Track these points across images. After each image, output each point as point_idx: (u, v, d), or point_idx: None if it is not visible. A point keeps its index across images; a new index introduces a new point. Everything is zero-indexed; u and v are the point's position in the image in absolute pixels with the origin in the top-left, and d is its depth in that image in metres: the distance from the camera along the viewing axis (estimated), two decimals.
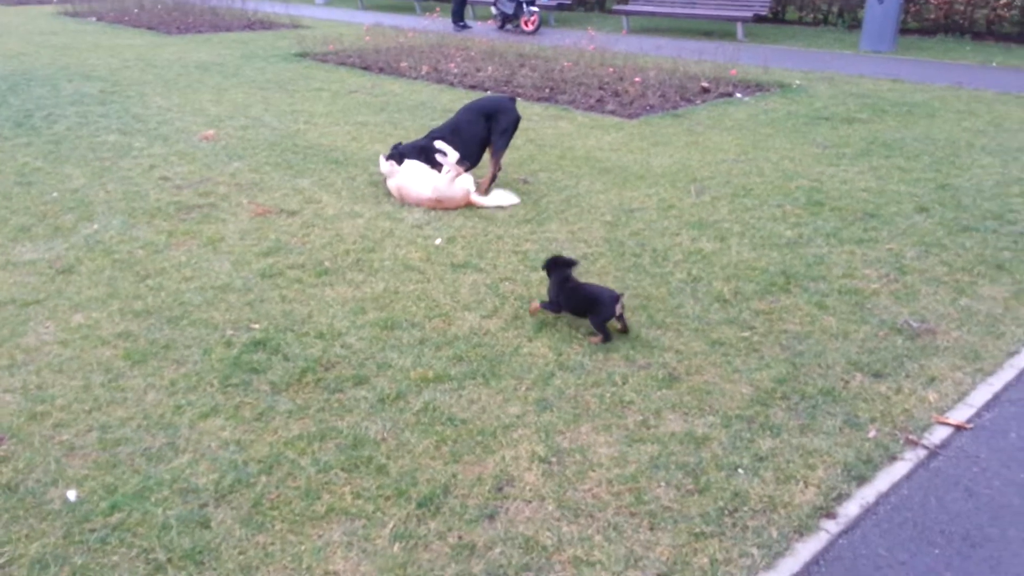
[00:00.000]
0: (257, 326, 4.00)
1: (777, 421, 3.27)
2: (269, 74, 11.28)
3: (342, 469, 2.93)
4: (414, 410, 3.31)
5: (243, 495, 2.80)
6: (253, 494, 2.80)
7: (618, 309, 3.83)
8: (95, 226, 5.32)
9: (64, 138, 7.55)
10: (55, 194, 5.96)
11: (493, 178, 6.17)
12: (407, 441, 3.10)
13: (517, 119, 6.23)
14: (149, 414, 3.27)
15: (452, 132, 6.16)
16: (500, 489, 2.84)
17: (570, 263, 4.02)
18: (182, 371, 3.59)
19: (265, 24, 17.15)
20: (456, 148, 5.98)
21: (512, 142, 6.38)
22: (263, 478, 2.89)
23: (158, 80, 10.63)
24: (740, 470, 2.95)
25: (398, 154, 6.08)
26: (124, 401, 3.36)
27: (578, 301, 3.94)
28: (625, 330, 3.93)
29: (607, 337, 3.86)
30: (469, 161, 6.07)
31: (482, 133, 6.16)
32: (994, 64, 12.74)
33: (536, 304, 4.11)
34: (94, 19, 18.32)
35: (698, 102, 9.87)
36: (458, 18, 17.02)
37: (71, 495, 2.78)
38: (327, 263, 4.79)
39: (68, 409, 3.30)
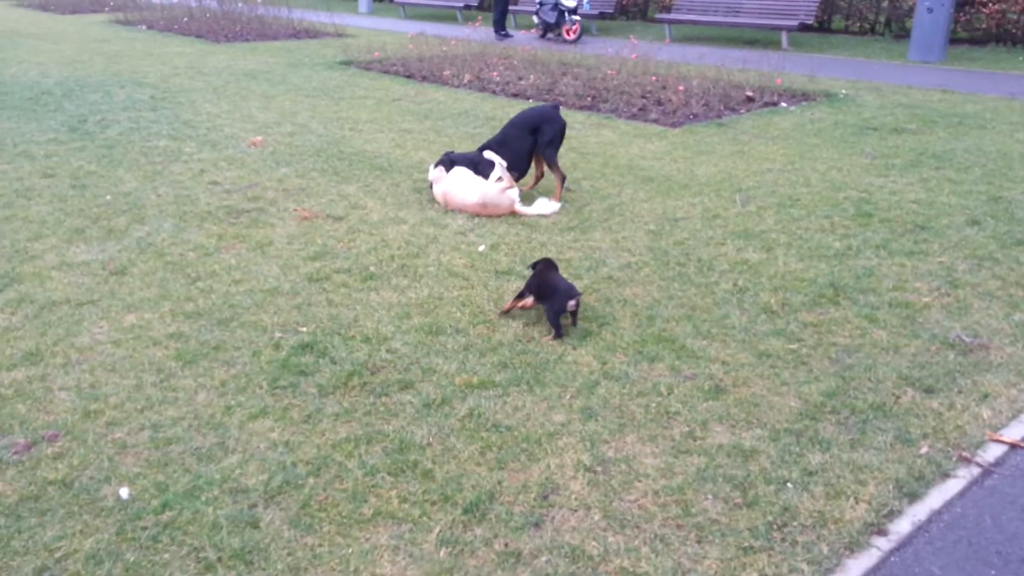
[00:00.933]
0: (305, 329, 4.05)
1: (827, 436, 3.21)
2: (315, 82, 11.45)
3: (388, 473, 2.95)
4: (459, 416, 3.32)
5: (292, 496, 2.83)
6: (301, 495, 2.83)
7: (570, 305, 3.99)
8: (147, 229, 5.44)
9: (117, 143, 7.74)
10: (108, 197, 6.11)
11: (561, 183, 6.20)
12: (452, 447, 3.11)
13: (563, 127, 6.26)
14: (200, 414, 3.32)
15: (500, 145, 6.24)
16: (546, 497, 2.83)
17: (554, 266, 4.26)
18: (232, 372, 3.64)
19: (311, 33, 17.41)
20: (505, 159, 6.05)
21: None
22: (311, 480, 2.92)
23: (207, 87, 10.85)
24: (789, 484, 2.91)
25: (448, 161, 6.13)
26: (175, 401, 3.42)
27: (542, 287, 4.10)
28: (574, 323, 4.09)
29: (558, 332, 3.97)
30: (516, 172, 6.12)
31: (528, 146, 6.26)
32: None
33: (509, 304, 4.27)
34: (144, 27, 18.76)
35: (742, 111, 9.79)
36: (500, 27, 17.11)
37: (124, 493, 2.84)
38: (372, 268, 4.83)
39: (121, 408, 3.37)
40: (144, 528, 2.68)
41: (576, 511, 2.77)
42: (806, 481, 2.93)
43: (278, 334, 4.00)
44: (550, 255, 5.04)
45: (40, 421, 3.27)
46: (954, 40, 15.65)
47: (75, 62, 13.06)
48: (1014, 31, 15.59)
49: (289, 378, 3.59)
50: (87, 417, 3.30)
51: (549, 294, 4.05)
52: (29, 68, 12.38)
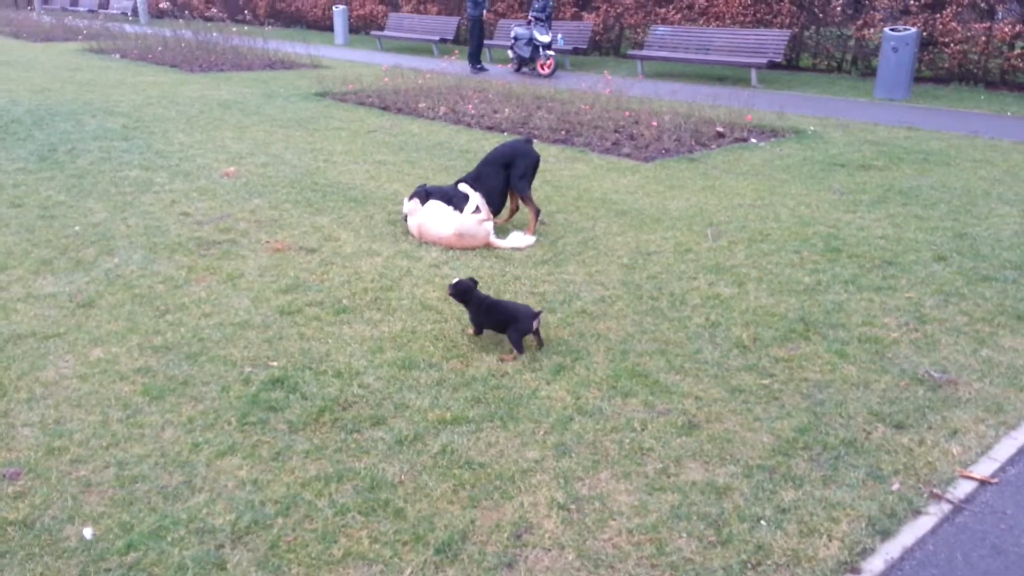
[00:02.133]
0: (275, 364, 4.00)
1: (799, 472, 3.22)
2: (290, 113, 11.45)
3: (359, 512, 2.91)
4: (432, 452, 3.28)
5: (260, 536, 2.77)
6: (270, 536, 2.77)
7: (535, 324, 4.15)
8: (116, 260, 5.37)
9: (87, 172, 7.66)
10: (77, 228, 6.03)
11: (535, 216, 6.23)
12: (425, 484, 3.08)
13: (535, 160, 6.30)
14: (166, 451, 3.26)
15: (475, 180, 6.31)
16: (519, 536, 2.80)
17: (473, 283, 4.33)
18: (200, 408, 3.58)
19: (286, 64, 17.46)
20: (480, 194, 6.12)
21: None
22: (280, 519, 2.86)
23: (180, 117, 10.80)
24: (763, 522, 2.91)
25: (423, 192, 6.15)
26: (142, 438, 3.35)
27: (499, 317, 4.20)
28: (540, 344, 4.23)
29: (521, 350, 4.12)
30: (491, 208, 6.17)
31: (502, 182, 6.31)
32: (1009, 113, 12.79)
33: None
34: (118, 56, 18.71)
35: (713, 147, 9.94)
36: (475, 61, 17.29)
37: (87, 533, 2.76)
38: (345, 301, 4.80)
39: (86, 444, 3.29)
40: (108, 570, 2.60)
41: (550, 551, 2.74)
42: (779, 519, 2.93)
43: (248, 368, 3.95)
44: (523, 288, 5.05)
45: (1, 458, 3.18)
46: (918, 79, 16.08)
47: (46, 90, 12.96)
48: (975, 70, 16.06)
49: (259, 414, 3.53)
50: (51, 454, 3.22)
51: (509, 319, 4.15)
52: None
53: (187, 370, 3.92)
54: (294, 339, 4.29)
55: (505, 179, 6.29)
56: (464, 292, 4.28)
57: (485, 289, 5.03)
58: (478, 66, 17.25)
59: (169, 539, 2.74)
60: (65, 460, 3.18)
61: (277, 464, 3.19)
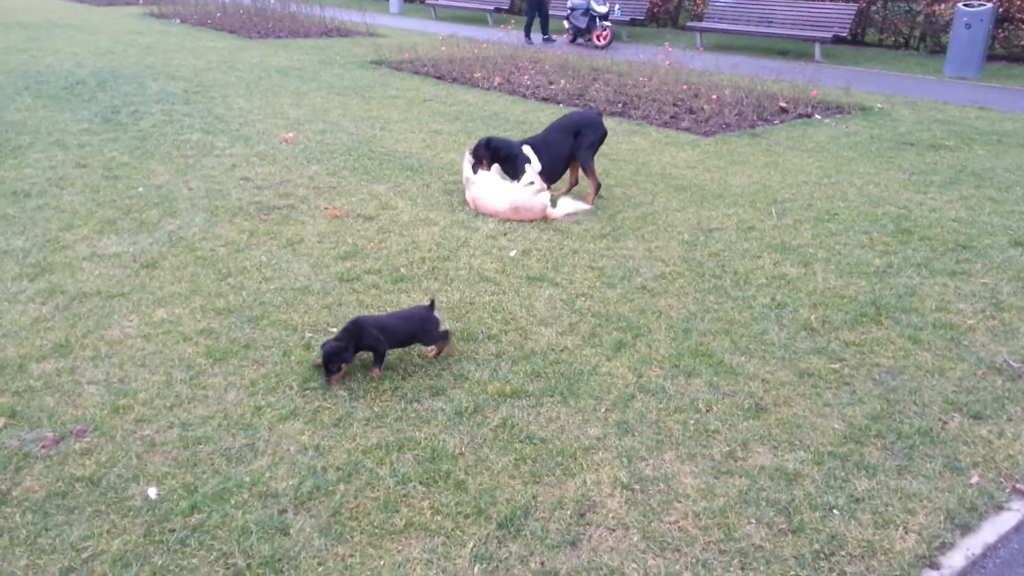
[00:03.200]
0: (335, 330, 3.99)
1: (873, 461, 3.10)
2: (346, 80, 11.44)
3: (420, 482, 2.88)
4: (492, 425, 3.24)
5: (322, 503, 2.76)
6: (332, 502, 2.76)
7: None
8: (178, 222, 5.41)
9: (149, 135, 7.75)
10: (140, 189, 6.10)
11: (596, 189, 6.16)
12: (485, 457, 3.03)
13: (603, 134, 6.24)
14: (229, 414, 3.27)
15: (542, 144, 6.23)
16: (582, 515, 2.75)
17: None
18: (262, 371, 3.59)
19: (342, 31, 17.44)
20: (542, 160, 6.05)
21: None
22: (342, 486, 2.85)
23: (240, 82, 10.86)
24: (835, 511, 2.81)
25: (485, 144, 6.09)
26: (205, 399, 3.37)
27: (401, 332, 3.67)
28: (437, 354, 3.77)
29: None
30: (551, 175, 6.11)
31: (567, 150, 6.22)
32: None
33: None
34: (178, 21, 18.90)
35: (776, 122, 9.65)
36: (544, 31, 17.01)
37: (152, 493, 2.78)
38: (403, 270, 4.77)
39: (150, 404, 3.32)
40: (172, 531, 2.62)
41: (614, 531, 2.68)
42: (853, 508, 2.82)
43: (308, 334, 3.94)
44: (582, 262, 4.96)
45: (69, 415, 3.23)
46: (991, 57, 15.39)
47: (109, 53, 13.15)
48: None
49: (319, 379, 3.52)
50: (116, 413, 3.25)
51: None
52: (64, 58, 12.47)
53: (249, 333, 3.94)
54: (353, 306, 4.27)
55: (570, 147, 6.20)
56: (335, 358, 3.48)
57: (543, 262, 4.96)
58: (546, 37, 17.00)
59: (232, 502, 2.75)
60: (130, 419, 3.22)
61: (338, 430, 3.18)
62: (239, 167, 6.77)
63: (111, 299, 4.27)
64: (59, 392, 3.39)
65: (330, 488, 2.84)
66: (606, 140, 6.48)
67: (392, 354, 3.74)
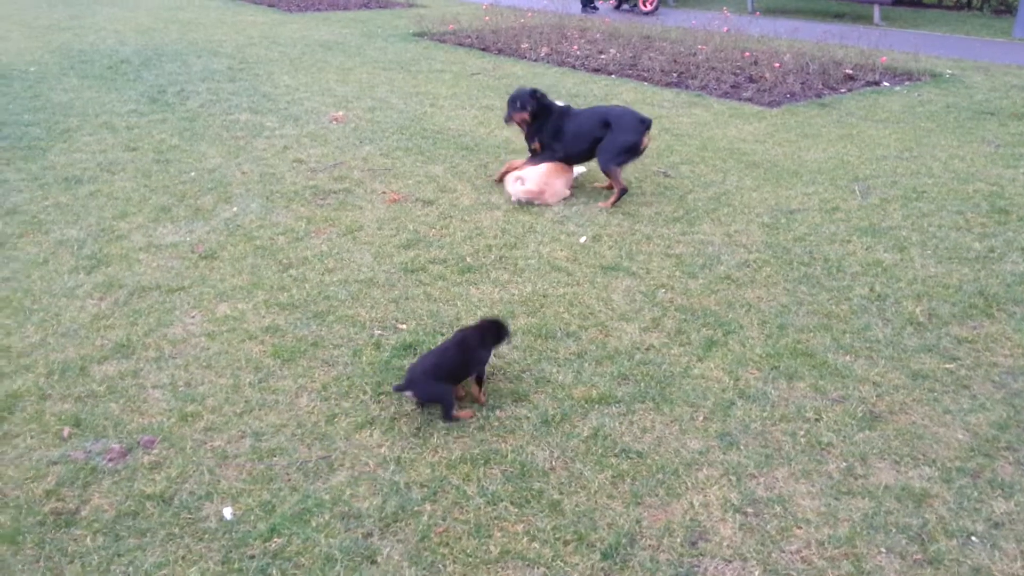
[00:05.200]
0: (404, 327, 3.77)
1: (1007, 477, 2.80)
2: (391, 54, 11.16)
3: (511, 503, 2.65)
4: (582, 436, 3.00)
5: (409, 525, 2.55)
6: (419, 525, 2.55)
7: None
8: (234, 209, 5.23)
9: (198, 115, 7.57)
10: (192, 173, 5.92)
11: (618, 195, 5.37)
12: (579, 473, 2.80)
13: (634, 143, 5.34)
14: (303, 422, 3.07)
15: (576, 116, 5.60)
16: (694, 543, 2.50)
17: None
18: (333, 374, 3.39)
19: (382, 3, 17.11)
20: (566, 136, 5.55)
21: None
22: (428, 506, 2.64)
23: (283, 58, 10.65)
24: (974, 538, 2.52)
25: (531, 93, 5.56)
26: (276, 405, 3.18)
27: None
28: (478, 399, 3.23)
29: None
30: (568, 156, 5.58)
31: (590, 139, 5.48)
32: None
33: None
34: None
35: (843, 90, 9.17)
36: (588, 0, 16.42)
37: (227, 513, 2.60)
38: (469, 259, 4.53)
39: (219, 411, 3.14)
40: (252, 557, 2.43)
41: (731, 562, 2.43)
42: (993, 535, 2.54)
43: (378, 331, 3.73)
44: (657, 249, 4.67)
45: (135, 424, 3.06)
46: None
47: (151, 30, 13.01)
48: None
49: (394, 383, 3.30)
50: (184, 421, 3.08)
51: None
52: (107, 36, 12.35)
53: (316, 330, 3.73)
54: (421, 299, 4.04)
55: (596, 137, 5.44)
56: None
57: (616, 248, 4.67)
58: (591, 5, 16.44)
59: (314, 524, 2.55)
60: (199, 428, 3.04)
61: (418, 441, 2.96)
62: (291, 148, 6.56)
63: (171, 293, 4.09)
64: (123, 398, 3.22)
65: (416, 508, 2.62)
66: (666, 113, 5.99)
67: None
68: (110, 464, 2.83)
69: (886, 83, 9.56)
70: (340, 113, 7.61)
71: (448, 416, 3.05)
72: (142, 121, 7.36)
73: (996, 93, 9.05)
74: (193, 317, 3.86)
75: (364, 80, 9.34)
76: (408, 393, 3.06)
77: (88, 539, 2.50)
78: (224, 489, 2.72)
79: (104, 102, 8.06)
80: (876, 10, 15.02)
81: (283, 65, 10.15)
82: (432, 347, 3.52)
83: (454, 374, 3.11)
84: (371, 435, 3.00)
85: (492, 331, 3.24)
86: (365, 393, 3.25)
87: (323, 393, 3.25)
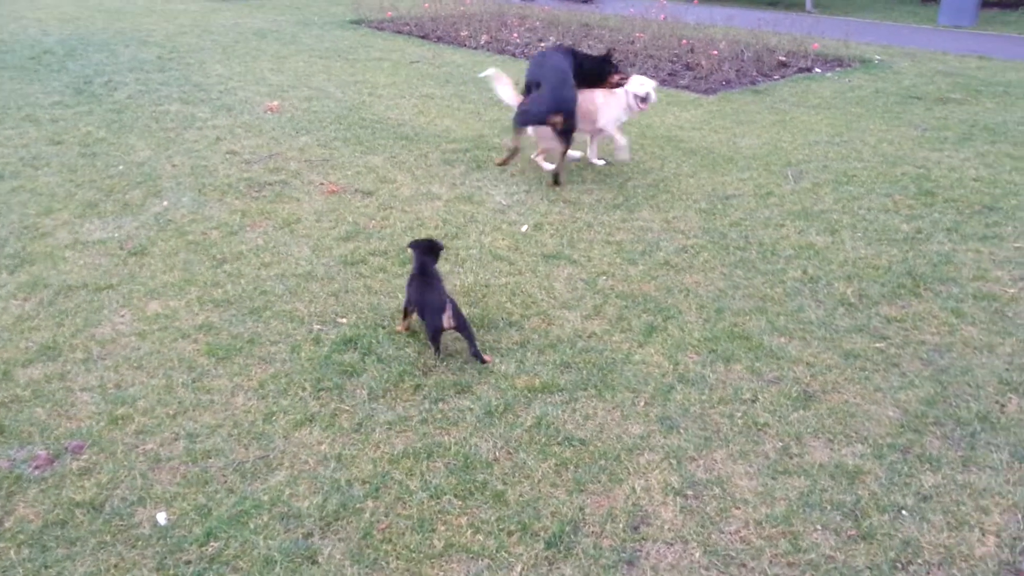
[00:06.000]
0: (344, 320, 3.72)
1: (934, 452, 2.90)
2: (327, 42, 10.96)
3: (455, 495, 2.64)
4: (526, 426, 2.99)
5: (350, 523, 2.52)
6: (361, 522, 2.52)
7: (446, 321, 3.29)
8: (165, 203, 5.07)
9: (126, 107, 7.32)
10: (120, 167, 5.72)
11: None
12: (523, 463, 2.80)
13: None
14: (239, 421, 3.00)
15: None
16: (636, 528, 2.52)
17: (431, 253, 3.64)
18: (270, 371, 3.31)
19: None
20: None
21: None
22: (370, 503, 2.60)
23: (216, 47, 10.36)
24: (904, 512, 2.60)
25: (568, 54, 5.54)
26: (211, 404, 3.10)
27: (418, 301, 3.46)
28: (471, 351, 3.38)
29: (435, 350, 3.38)
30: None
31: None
32: None
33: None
34: None
35: (776, 77, 9.35)
36: None
37: (161, 518, 2.52)
38: (410, 250, 4.47)
39: (151, 413, 3.04)
40: (188, 562, 2.37)
41: (672, 545, 2.46)
42: (922, 508, 2.62)
43: (317, 326, 3.66)
44: (598, 237, 4.69)
45: (62, 428, 2.95)
46: (983, 3, 15.08)
47: (76, 19, 12.53)
48: None
49: (334, 378, 3.26)
50: (114, 424, 2.97)
51: (422, 310, 3.41)
52: (28, 25, 11.85)
53: (252, 327, 3.65)
54: (361, 292, 3.99)
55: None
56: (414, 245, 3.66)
57: (558, 237, 4.68)
58: None
59: (252, 526, 2.50)
60: (130, 431, 2.94)
61: (360, 437, 2.92)
62: (224, 140, 6.39)
63: (99, 292, 3.95)
64: (50, 402, 3.10)
65: (357, 506, 2.59)
66: None
67: (409, 345, 3.48)
68: (36, 472, 2.72)
69: (818, 69, 9.78)
70: (275, 103, 7.45)
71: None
72: (67, 113, 7.08)
73: (922, 78, 9.34)
74: (122, 316, 3.74)
75: (300, 69, 9.16)
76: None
77: (12, 552, 2.40)
78: (157, 494, 2.64)
79: (26, 94, 7.74)
80: None
81: (215, 54, 9.88)
82: (373, 343, 3.49)
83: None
84: (311, 432, 2.94)
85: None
86: (304, 390, 3.19)
87: (260, 391, 3.18)
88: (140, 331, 3.61)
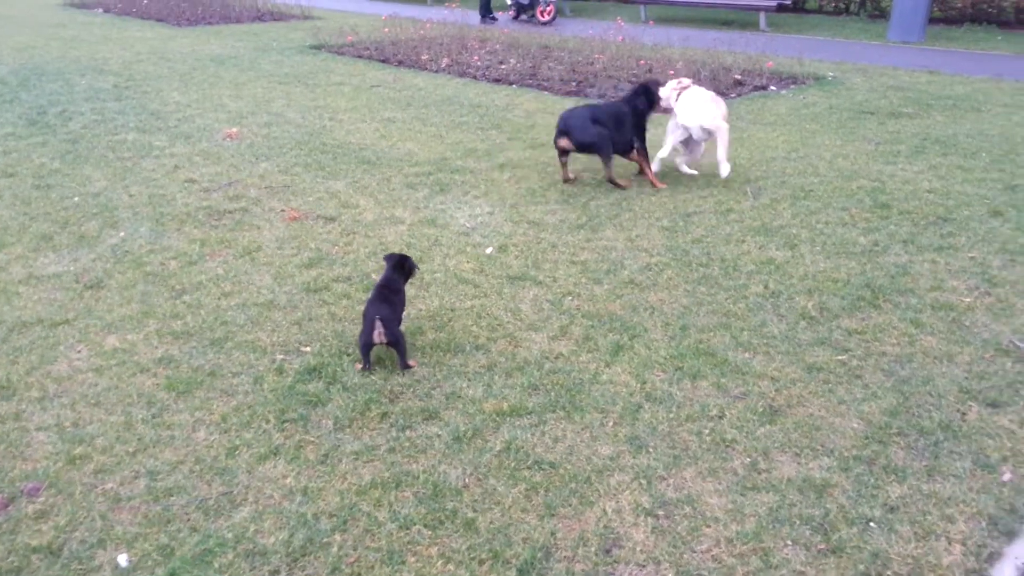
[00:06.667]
0: (308, 349, 3.67)
1: (899, 463, 2.93)
2: (287, 67, 10.92)
3: (425, 525, 2.60)
4: (495, 451, 2.97)
5: (318, 558, 2.47)
6: (329, 557, 2.47)
7: (376, 336, 3.34)
8: (121, 234, 4.98)
9: (81, 136, 7.20)
10: (76, 198, 5.62)
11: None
12: (493, 489, 2.77)
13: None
14: (201, 456, 2.94)
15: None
16: (608, 551, 2.51)
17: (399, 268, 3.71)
18: (232, 404, 3.25)
19: (276, 15, 16.76)
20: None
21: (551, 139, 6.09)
22: (338, 536, 2.56)
23: (173, 74, 10.27)
24: (872, 524, 2.62)
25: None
26: (172, 441, 3.03)
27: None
28: (401, 364, 3.48)
29: (364, 365, 3.47)
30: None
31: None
32: None
33: None
34: (100, 10, 17.93)
35: (733, 95, 9.50)
36: (486, 11, 16.49)
37: (123, 560, 2.45)
38: (374, 276, 4.44)
39: (110, 451, 2.97)
40: None
41: (644, 567, 2.45)
42: (890, 519, 2.65)
43: (280, 356, 3.61)
44: (563, 257, 4.70)
45: (17, 471, 2.86)
46: (930, 20, 15.53)
47: (29, 48, 12.33)
48: (989, 10, 15.53)
49: (298, 409, 3.21)
50: (72, 464, 2.89)
51: (363, 321, 3.50)
52: None
53: (213, 359, 3.58)
54: (325, 320, 3.94)
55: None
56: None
57: (522, 258, 4.68)
58: (490, 16, 16.50)
59: (216, 565, 2.44)
60: (88, 471, 2.86)
61: (326, 468, 2.88)
62: (182, 168, 6.31)
63: (55, 327, 3.86)
64: (3, 443, 3.01)
65: (325, 540, 2.54)
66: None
67: (375, 372, 3.45)
68: None
69: (773, 87, 9.96)
70: (234, 129, 7.38)
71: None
72: (20, 144, 6.95)
73: (874, 93, 9.56)
74: (79, 352, 3.65)
75: (259, 95, 9.11)
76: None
77: None
78: (118, 535, 2.57)
79: None
80: (762, 16, 15.64)
81: (173, 81, 9.79)
82: (338, 371, 3.45)
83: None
84: (275, 466, 2.89)
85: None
86: (268, 422, 3.14)
87: (222, 425, 3.12)
88: (97, 367, 3.53)
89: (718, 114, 6.05)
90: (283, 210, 5.41)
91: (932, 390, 3.39)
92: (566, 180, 6.10)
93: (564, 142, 5.88)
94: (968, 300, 4.19)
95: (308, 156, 6.68)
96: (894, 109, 8.69)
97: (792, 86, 10.06)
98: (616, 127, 5.91)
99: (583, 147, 5.91)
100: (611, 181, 5.94)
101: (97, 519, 2.63)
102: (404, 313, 3.65)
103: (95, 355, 3.62)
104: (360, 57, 11.98)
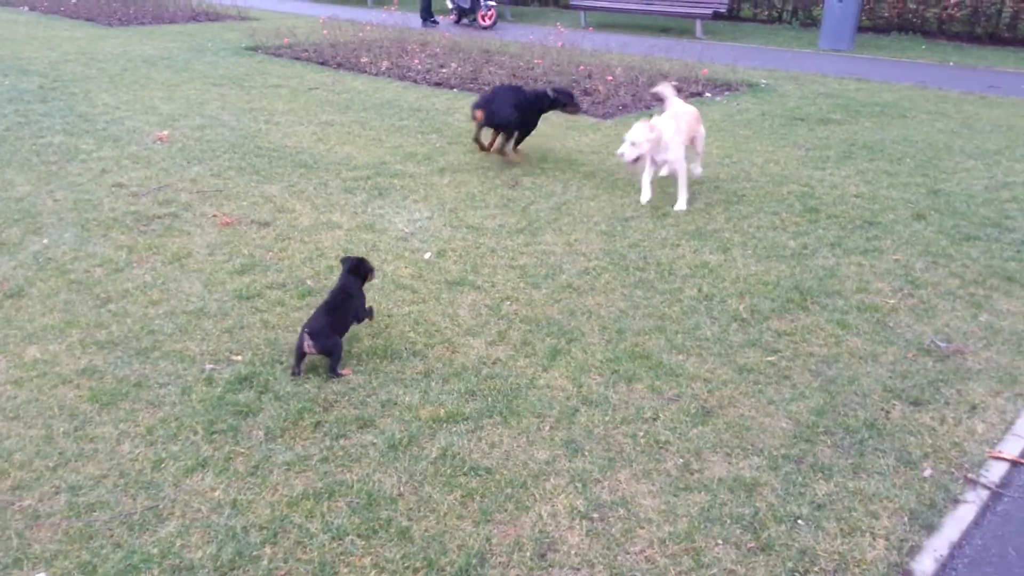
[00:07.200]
0: (239, 358, 3.59)
1: (826, 461, 3.01)
2: (222, 69, 10.69)
3: (358, 535, 2.57)
4: (430, 458, 2.95)
5: (247, 573, 2.41)
6: (259, 571, 2.42)
7: (307, 346, 3.38)
8: (45, 241, 4.80)
9: (3, 139, 6.92)
10: None
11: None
12: (428, 497, 2.75)
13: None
14: (125, 470, 2.84)
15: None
16: (543, 555, 2.51)
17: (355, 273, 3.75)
18: (159, 415, 3.16)
19: (211, 15, 16.40)
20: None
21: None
22: (268, 549, 2.50)
23: (102, 75, 9.96)
24: (800, 521, 2.69)
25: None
26: (95, 454, 2.93)
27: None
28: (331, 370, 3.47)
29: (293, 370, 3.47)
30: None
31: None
32: (951, 63, 12.85)
33: None
34: (26, 8, 17.29)
35: None
36: (427, 14, 16.40)
37: None
38: (309, 282, 4.38)
39: (28, 466, 2.85)
40: None
41: (579, 570, 2.46)
42: (817, 516, 2.71)
43: (209, 365, 3.52)
44: (502, 262, 4.71)
45: None
46: (859, 28, 16.05)
47: None
48: (914, 20, 16.12)
49: (228, 420, 3.13)
50: None
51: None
52: None
53: (139, 369, 3.48)
54: (257, 328, 3.87)
55: None
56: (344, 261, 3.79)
57: (461, 263, 4.67)
58: (431, 20, 16.41)
59: None
60: (5, 487, 2.74)
61: (256, 480, 2.82)
62: (109, 172, 6.12)
63: None
64: None
65: (254, 553, 2.48)
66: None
67: (308, 380, 3.39)
68: None
69: (708, 94, 10.15)
70: (165, 132, 7.19)
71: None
72: None
73: (805, 100, 9.82)
74: None
75: (193, 97, 8.90)
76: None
77: None
78: (36, 553, 2.47)
79: None
80: (698, 24, 15.94)
81: (102, 83, 9.49)
82: (270, 380, 3.38)
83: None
84: (203, 479, 2.82)
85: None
86: (196, 433, 3.06)
87: (148, 437, 3.02)
88: (17, 379, 3.39)
89: (680, 150, 5.87)
90: (215, 215, 5.29)
91: (857, 389, 3.49)
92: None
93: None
94: (892, 301, 4.33)
95: (242, 160, 6.55)
96: (824, 116, 8.94)
97: (726, 93, 10.27)
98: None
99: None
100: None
101: (13, 537, 2.52)
102: (368, 318, 3.76)
103: (14, 367, 3.48)
104: (298, 59, 11.80)
